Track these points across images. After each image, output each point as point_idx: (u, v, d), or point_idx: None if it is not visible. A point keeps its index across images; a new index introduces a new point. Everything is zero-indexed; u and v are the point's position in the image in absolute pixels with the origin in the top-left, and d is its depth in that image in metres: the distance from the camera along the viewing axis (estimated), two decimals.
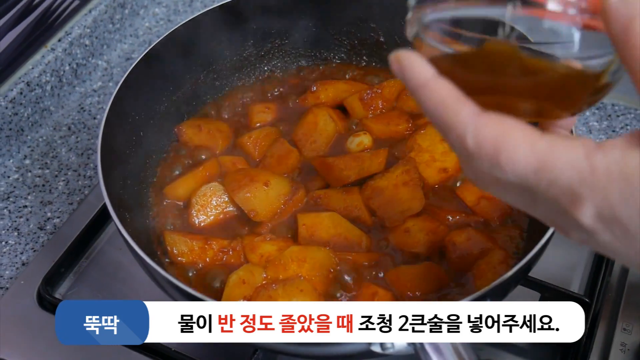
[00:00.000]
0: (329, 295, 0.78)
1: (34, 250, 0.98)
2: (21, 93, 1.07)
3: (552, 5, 0.46)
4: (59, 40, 1.14)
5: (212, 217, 0.85)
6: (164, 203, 0.88)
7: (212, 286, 0.78)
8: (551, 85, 0.48)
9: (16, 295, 0.92)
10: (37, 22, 1.09)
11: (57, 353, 0.86)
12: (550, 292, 0.84)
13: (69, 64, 1.15)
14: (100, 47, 1.20)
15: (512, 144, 0.44)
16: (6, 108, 1.05)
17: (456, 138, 0.45)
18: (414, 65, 0.48)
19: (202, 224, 0.85)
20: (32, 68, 1.10)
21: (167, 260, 0.83)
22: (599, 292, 0.87)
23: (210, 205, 0.86)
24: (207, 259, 0.81)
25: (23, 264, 0.97)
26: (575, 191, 0.43)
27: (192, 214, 0.85)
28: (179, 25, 0.91)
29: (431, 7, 0.50)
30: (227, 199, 0.86)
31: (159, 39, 0.90)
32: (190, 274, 0.81)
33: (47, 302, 0.91)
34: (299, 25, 0.99)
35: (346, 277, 0.79)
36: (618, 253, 0.45)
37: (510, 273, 0.68)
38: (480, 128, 0.45)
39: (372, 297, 0.76)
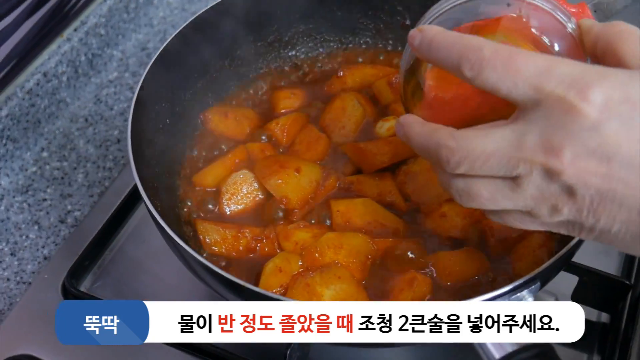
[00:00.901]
0: (366, 282, 0.76)
1: (56, 244, 0.96)
2: (38, 84, 1.05)
3: None
4: (75, 30, 1.11)
5: (242, 205, 0.84)
6: (193, 191, 0.86)
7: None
8: None
9: (40, 290, 0.90)
10: (53, 12, 1.07)
11: (83, 347, 0.84)
12: (589, 276, 0.82)
13: (85, 54, 1.13)
14: (115, 37, 1.18)
15: (526, 52, 0.49)
16: (23, 99, 1.03)
17: (473, 53, 0.49)
18: (431, 26, 0.54)
19: (233, 212, 0.83)
20: (49, 58, 1.07)
21: (198, 249, 0.81)
22: (637, 273, 0.86)
23: (241, 193, 0.84)
24: (241, 248, 0.79)
25: (45, 258, 0.95)
26: (586, 80, 0.46)
27: (222, 203, 0.83)
28: (202, 11, 0.89)
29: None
30: (257, 186, 0.84)
31: (182, 27, 0.87)
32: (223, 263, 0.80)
33: (73, 296, 0.89)
34: (323, 9, 0.98)
35: (383, 264, 0.77)
36: (617, 152, 0.46)
37: (555, 258, 0.67)
38: (497, 44, 0.50)
39: (411, 283, 0.75)
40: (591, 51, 0.55)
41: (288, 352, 0.75)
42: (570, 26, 0.57)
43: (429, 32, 0.53)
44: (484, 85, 0.49)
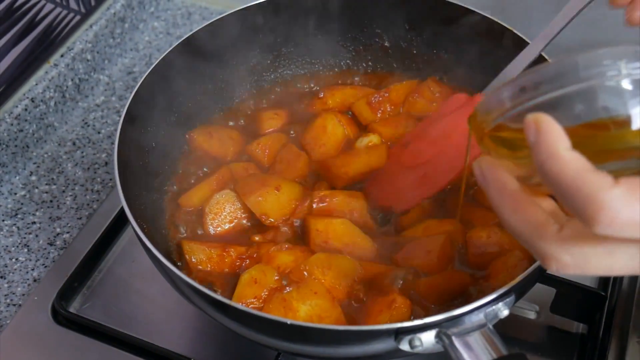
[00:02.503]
0: (343, 300, 0.78)
1: (45, 266, 0.98)
2: (26, 109, 1.07)
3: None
4: (62, 56, 1.14)
5: (226, 225, 0.86)
6: (180, 212, 0.88)
7: None
8: None
9: (30, 312, 0.92)
10: (40, 38, 1.10)
11: None
12: (567, 288, 0.85)
13: (72, 79, 1.15)
14: (101, 62, 1.21)
15: None
16: (11, 125, 1.05)
17: (597, 209, 0.44)
18: (553, 131, 0.47)
19: (217, 232, 0.85)
20: (36, 84, 1.10)
21: (185, 269, 0.82)
22: (613, 284, 0.88)
23: (224, 213, 0.86)
24: (226, 267, 0.81)
25: (34, 280, 0.96)
26: None
27: (206, 222, 0.85)
28: (186, 37, 0.91)
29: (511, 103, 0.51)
30: (240, 205, 0.86)
31: (167, 52, 0.89)
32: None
33: (62, 317, 0.90)
34: (303, 32, 1.00)
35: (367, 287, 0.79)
36: None
37: (528, 271, 0.68)
38: (631, 199, 0.44)
39: (390, 305, 0.75)
40: None
41: None
42: None
43: (547, 147, 0.46)
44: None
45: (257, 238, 0.84)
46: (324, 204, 0.86)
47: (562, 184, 0.46)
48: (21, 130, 1.07)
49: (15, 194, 1.06)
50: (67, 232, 1.02)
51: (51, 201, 1.05)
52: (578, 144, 0.47)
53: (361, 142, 0.92)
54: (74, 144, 1.13)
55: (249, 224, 0.86)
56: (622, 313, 0.87)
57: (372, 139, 0.92)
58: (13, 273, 0.97)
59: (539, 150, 0.47)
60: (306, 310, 0.73)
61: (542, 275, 0.75)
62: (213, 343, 0.89)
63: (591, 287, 0.87)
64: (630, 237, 0.45)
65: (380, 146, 0.90)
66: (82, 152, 1.11)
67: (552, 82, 0.49)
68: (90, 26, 1.18)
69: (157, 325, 0.90)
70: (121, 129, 0.81)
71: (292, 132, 0.96)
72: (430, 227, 0.83)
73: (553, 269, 0.49)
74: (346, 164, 0.88)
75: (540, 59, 0.81)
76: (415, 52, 1.00)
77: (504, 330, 0.81)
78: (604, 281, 0.89)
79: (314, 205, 0.86)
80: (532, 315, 0.89)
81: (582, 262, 0.47)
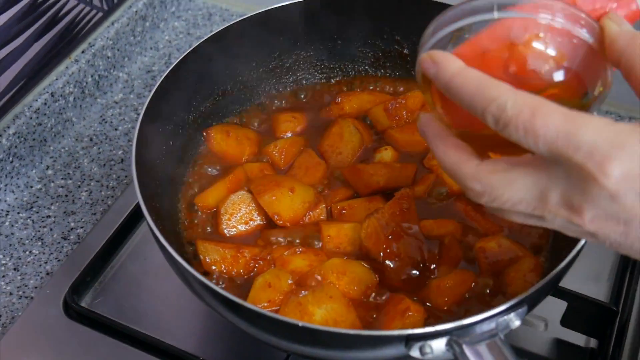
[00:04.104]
0: (360, 304, 0.78)
1: (58, 260, 0.99)
2: (45, 103, 1.08)
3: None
4: (83, 52, 1.15)
5: (241, 226, 0.86)
6: (194, 211, 0.88)
7: None
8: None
9: (42, 305, 0.92)
10: (62, 34, 1.11)
11: None
12: (578, 301, 0.84)
13: (92, 76, 1.16)
14: (121, 59, 1.21)
15: (547, 110, 0.49)
16: (30, 118, 1.06)
17: (496, 108, 0.50)
18: (447, 58, 0.54)
19: (231, 233, 0.86)
20: (56, 79, 1.11)
21: (198, 269, 0.83)
22: (625, 300, 0.88)
23: (240, 214, 0.86)
24: (240, 268, 0.81)
25: (47, 274, 0.97)
26: (604, 151, 0.47)
27: (221, 223, 0.86)
28: (206, 37, 0.92)
29: (433, 35, 0.58)
30: (255, 207, 0.86)
31: (187, 52, 0.90)
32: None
33: (74, 311, 0.91)
34: (323, 37, 1.00)
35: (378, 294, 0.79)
36: (634, 218, 0.48)
37: (542, 282, 0.68)
38: (519, 95, 0.50)
39: (404, 313, 0.75)
40: (615, 64, 0.55)
41: None
42: (588, 38, 0.54)
43: (446, 70, 0.53)
44: (506, 136, 0.51)
45: (262, 242, 0.85)
46: (343, 214, 0.86)
47: (466, 94, 0.52)
48: (40, 124, 1.08)
49: (31, 187, 1.07)
50: (81, 227, 1.02)
51: (66, 196, 1.06)
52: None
53: (380, 158, 0.92)
54: (91, 139, 1.14)
55: (263, 225, 0.86)
56: (633, 328, 0.87)
57: (383, 155, 0.92)
58: (26, 266, 0.98)
59: (442, 75, 0.53)
60: (322, 314, 0.73)
61: (554, 288, 0.75)
62: (223, 343, 0.89)
63: (603, 301, 0.86)
64: (522, 142, 0.50)
65: (410, 166, 0.90)
66: (99, 148, 1.12)
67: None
68: (112, 23, 1.19)
69: (167, 323, 0.90)
70: (139, 127, 0.82)
71: (307, 137, 0.96)
72: (427, 227, 0.84)
73: (471, 196, 0.55)
74: (379, 174, 0.88)
75: None
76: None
77: (513, 341, 0.82)
78: (616, 296, 0.89)
79: (329, 210, 0.87)
80: (541, 328, 0.89)
81: (490, 191, 0.53)
